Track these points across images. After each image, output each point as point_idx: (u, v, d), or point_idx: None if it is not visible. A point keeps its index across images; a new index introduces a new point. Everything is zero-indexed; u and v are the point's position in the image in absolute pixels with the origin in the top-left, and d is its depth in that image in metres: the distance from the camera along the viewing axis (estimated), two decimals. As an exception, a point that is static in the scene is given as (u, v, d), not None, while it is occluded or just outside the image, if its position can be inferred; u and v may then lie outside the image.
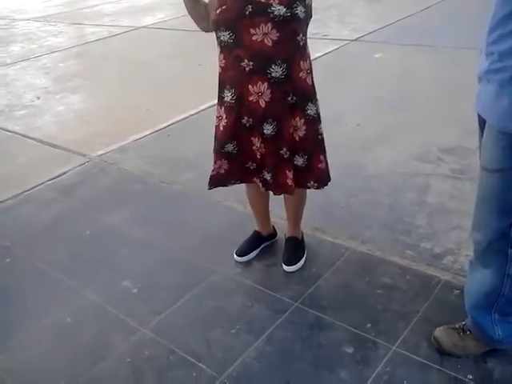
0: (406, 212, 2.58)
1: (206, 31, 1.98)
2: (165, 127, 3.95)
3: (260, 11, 1.76)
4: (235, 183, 2.16)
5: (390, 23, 6.28)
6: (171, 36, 7.04)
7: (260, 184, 2.07)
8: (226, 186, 2.17)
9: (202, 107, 4.13)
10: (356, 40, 5.72)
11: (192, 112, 4.13)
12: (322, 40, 4.96)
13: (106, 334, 2.01)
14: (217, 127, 2.06)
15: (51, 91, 5.19)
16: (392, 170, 2.99)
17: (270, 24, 1.76)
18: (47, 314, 2.15)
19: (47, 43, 7.38)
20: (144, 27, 7.75)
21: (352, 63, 5.08)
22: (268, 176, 2.01)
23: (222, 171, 2.07)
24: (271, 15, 1.75)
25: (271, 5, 1.75)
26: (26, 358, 1.96)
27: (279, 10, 1.74)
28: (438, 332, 1.78)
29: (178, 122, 4.01)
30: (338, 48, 5.46)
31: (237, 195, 2.65)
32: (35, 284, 2.35)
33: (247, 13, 1.77)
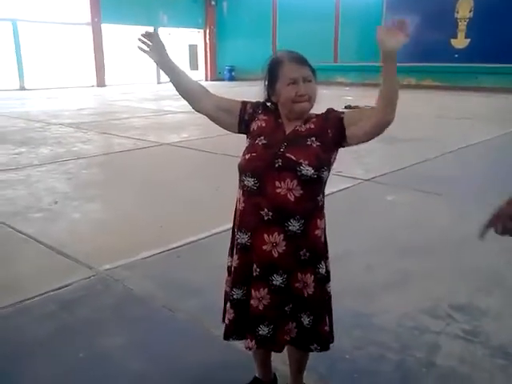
0: (413, 374, 2.46)
1: (202, 113, 2.04)
2: (175, 247, 3.96)
3: (289, 167, 1.82)
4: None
5: (404, 166, 6.53)
6: (193, 155, 7.32)
7: (252, 340, 1.93)
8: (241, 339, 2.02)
9: (214, 231, 4.16)
10: (369, 180, 5.92)
11: (204, 235, 4.17)
12: (334, 176, 5.13)
13: None
14: (228, 268, 2.06)
15: (70, 197, 5.33)
16: (400, 323, 2.90)
17: (295, 181, 1.82)
18: None
19: (75, 149, 7.75)
20: (168, 144, 8.15)
21: (364, 203, 5.20)
22: (265, 330, 1.91)
23: (231, 320, 2.00)
24: (299, 173, 1.81)
25: (301, 164, 1.81)
26: None
27: (307, 170, 1.81)
28: None
29: (189, 243, 4.03)
30: (350, 186, 5.64)
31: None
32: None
33: (276, 166, 1.83)
